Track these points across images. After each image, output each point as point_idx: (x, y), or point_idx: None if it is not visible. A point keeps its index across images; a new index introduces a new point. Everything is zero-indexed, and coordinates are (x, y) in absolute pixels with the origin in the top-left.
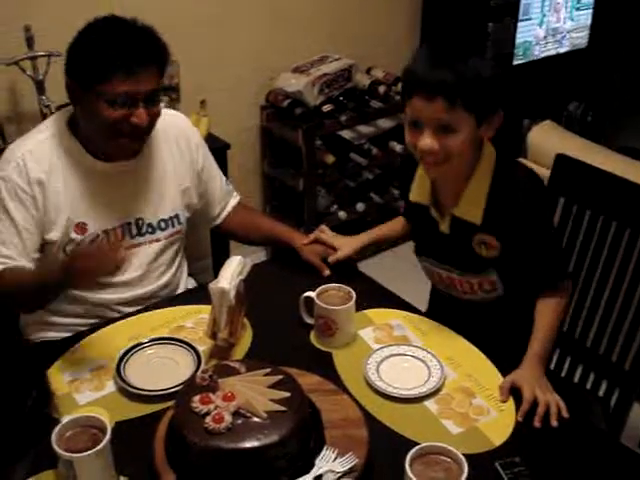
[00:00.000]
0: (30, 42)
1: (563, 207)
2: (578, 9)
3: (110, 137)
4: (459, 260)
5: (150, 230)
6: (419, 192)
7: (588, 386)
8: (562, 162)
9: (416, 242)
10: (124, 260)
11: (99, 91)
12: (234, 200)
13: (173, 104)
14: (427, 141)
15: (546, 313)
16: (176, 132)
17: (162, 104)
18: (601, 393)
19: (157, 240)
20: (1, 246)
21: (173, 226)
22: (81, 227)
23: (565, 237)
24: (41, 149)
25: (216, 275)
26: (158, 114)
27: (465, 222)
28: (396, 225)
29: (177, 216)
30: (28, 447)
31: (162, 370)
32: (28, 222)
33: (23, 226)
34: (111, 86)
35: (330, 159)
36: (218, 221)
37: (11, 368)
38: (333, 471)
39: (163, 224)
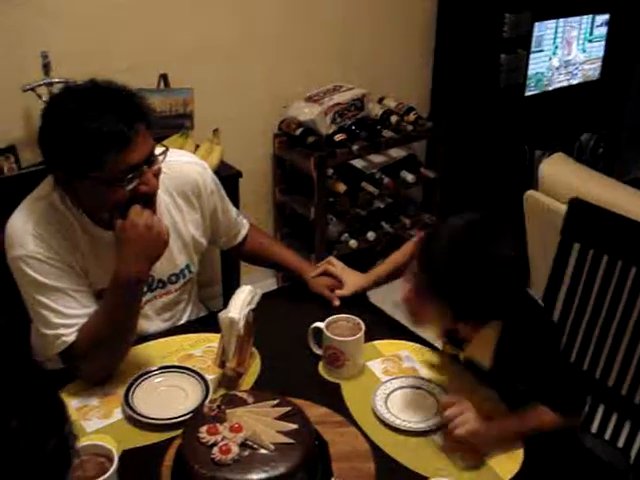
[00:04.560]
0: (47, 69)
1: (579, 253)
2: (590, 41)
3: (119, 215)
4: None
5: (161, 285)
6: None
7: (610, 428)
8: (576, 207)
9: None
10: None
11: (97, 177)
12: (244, 230)
13: (186, 132)
14: (403, 292)
15: (543, 420)
16: (188, 186)
17: (162, 156)
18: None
19: (167, 293)
20: (62, 318)
21: (184, 277)
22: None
23: (581, 283)
24: (47, 220)
25: (226, 301)
26: (160, 170)
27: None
28: (400, 258)
29: (188, 266)
30: None
31: (170, 399)
32: (74, 283)
33: (70, 288)
34: (108, 166)
35: (341, 188)
36: (227, 248)
37: (29, 411)
38: None
39: (174, 278)
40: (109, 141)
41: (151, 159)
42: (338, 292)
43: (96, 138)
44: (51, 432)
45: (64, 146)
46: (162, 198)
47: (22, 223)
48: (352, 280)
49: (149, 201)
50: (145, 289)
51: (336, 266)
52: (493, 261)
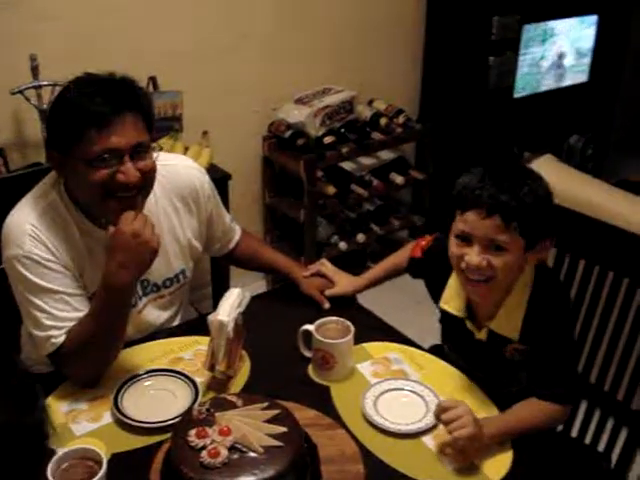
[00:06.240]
0: (35, 71)
1: (569, 261)
2: (579, 43)
3: (99, 201)
4: (490, 366)
5: (155, 289)
6: (453, 304)
7: (593, 425)
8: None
9: (447, 336)
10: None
11: (76, 153)
12: (237, 236)
13: (176, 135)
14: (475, 258)
15: (535, 413)
16: (187, 190)
17: (155, 154)
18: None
19: (161, 297)
20: (53, 321)
21: (178, 282)
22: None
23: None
24: (45, 220)
25: (215, 304)
26: (152, 169)
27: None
28: (396, 266)
29: (183, 271)
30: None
31: (159, 402)
32: (68, 286)
33: (64, 292)
34: (87, 144)
35: (331, 190)
36: (220, 255)
37: (10, 395)
38: None
39: (168, 282)
40: (90, 118)
41: (137, 152)
42: (328, 291)
43: (79, 113)
44: (26, 409)
45: (55, 117)
46: (161, 201)
47: (20, 222)
48: (344, 282)
49: (131, 197)
50: (140, 294)
51: (328, 267)
52: (541, 181)
